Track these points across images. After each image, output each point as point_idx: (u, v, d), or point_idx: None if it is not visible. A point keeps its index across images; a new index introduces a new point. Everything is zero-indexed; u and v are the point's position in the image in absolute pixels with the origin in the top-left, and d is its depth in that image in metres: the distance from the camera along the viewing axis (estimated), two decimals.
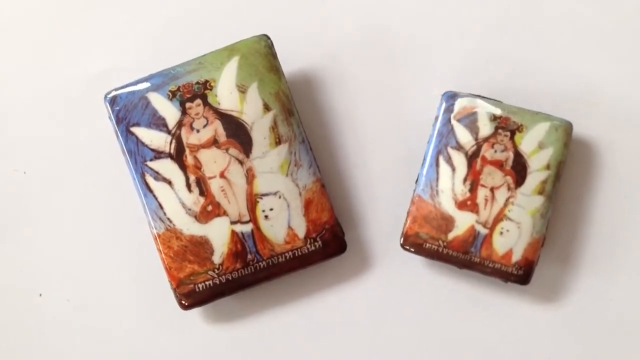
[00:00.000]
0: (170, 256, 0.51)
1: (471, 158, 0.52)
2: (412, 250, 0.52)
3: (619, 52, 0.55)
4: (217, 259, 0.51)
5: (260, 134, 0.51)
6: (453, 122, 0.52)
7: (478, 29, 0.56)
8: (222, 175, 0.51)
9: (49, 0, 0.57)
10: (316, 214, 0.52)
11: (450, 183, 0.52)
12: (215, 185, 0.51)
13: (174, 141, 0.51)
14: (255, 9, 0.56)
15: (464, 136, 0.52)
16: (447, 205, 0.51)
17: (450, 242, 0.51)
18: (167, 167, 0.51)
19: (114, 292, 0.55)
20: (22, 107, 0.56)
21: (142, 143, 0.51)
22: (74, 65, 0.56)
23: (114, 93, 0.52)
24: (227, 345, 0.54)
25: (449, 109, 0.52)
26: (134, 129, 0.51)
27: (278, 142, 0.52)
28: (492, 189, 0.51)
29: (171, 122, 0.51)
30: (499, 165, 0.51)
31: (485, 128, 0.52)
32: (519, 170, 0.51)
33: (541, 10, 0.56)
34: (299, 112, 0.53)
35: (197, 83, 0.51)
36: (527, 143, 0.51)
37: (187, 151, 0.51)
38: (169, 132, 0.51)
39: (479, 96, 0.52)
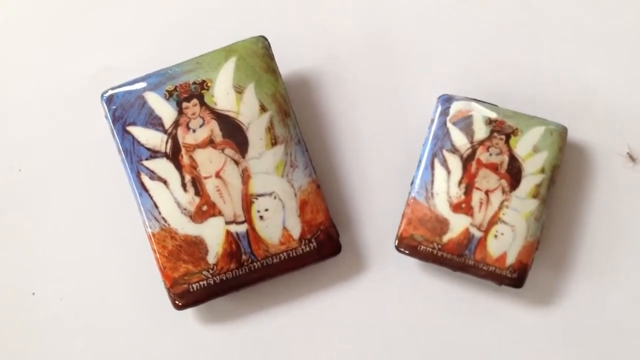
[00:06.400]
0: (165, 256, 0.51)
1: (466, 161, 0.52)
2: (407, 252, 0.52)
3: (615, 57, 0.56)
4: (211, 259, 0.51)
5: (256, 134, 0.51)
6: (449, 125, 0.52)
7: (475, 33, 0.56)
8: (217, 175, 0.51)
9: (47, 0, 0.57)
10: (311, 215, 0.52)
11: (446, 186, 0.52)
12: (210, 185, 0.51)
13: (170, 141, 0.51)
14: (253, 10, 0.56)
15: (460, 139, 0.52)
16: (442, 207, 0.52)
17: (445, 245, 0.51)
18: (162, 166, 0.51)
19: (108, 291, 0.55)
20: (19, 105, 0.56)
21: (138, 142, 0.51)
22: (71, 64, 0.56)
23: (110, 92, 0.52)
24: (221, 345, 0.54)
25: (444, 112, 0.52)
26: (130, 128, 0.51)
27: (274, 143, 0.52)
28: (487, 192, 0.51)
29: (167, 121, 0.51)
30: (494, 168, 0.52)
31: (481, 131, 0.52)
32: (513, 173, 0.51)
33: (538, 15, 0.56)
34: (295, 114, 0.53)
35: (194, 83, 0.51)
36: (522, 147, 0.52)
37: (183, 151, 0.51)
38: (165, 131, 0.51)
39: (474, 100, 0.52)
